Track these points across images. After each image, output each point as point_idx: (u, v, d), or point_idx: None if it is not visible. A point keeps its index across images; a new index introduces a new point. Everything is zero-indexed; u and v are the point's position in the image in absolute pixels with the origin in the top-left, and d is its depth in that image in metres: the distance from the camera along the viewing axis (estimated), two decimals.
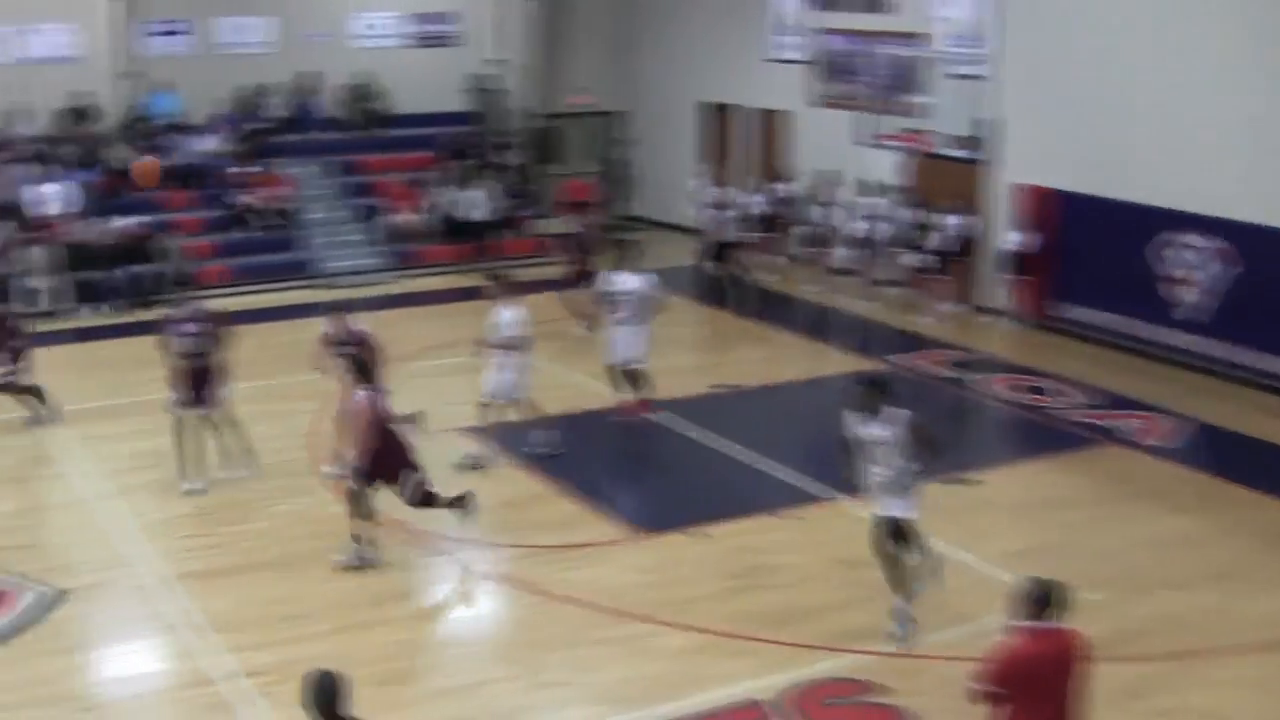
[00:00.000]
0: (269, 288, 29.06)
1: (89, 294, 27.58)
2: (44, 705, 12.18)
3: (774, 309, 27.31)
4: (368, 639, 13.30)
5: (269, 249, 30.60)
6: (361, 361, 14.96)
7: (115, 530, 16.18)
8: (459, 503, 15.21)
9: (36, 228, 28.32)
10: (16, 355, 19.64)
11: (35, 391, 20.03)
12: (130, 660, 13.39)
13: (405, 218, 31.67)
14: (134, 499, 17.16)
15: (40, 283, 27.49)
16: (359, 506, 14.67)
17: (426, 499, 14.87)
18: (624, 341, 19.17)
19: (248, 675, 12.53)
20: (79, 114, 31.05)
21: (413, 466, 14.65)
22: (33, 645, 13.32)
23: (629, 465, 18.73)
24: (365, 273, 30.33)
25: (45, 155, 29.81)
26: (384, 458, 14.46)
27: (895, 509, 12.77)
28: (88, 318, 27.11)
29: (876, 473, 12.79)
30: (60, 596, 14.26)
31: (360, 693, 11.96)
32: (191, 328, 17.47)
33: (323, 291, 28.63)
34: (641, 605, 13.92)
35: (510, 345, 17.54)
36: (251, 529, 16.10)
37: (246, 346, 22.11)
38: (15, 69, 30.60)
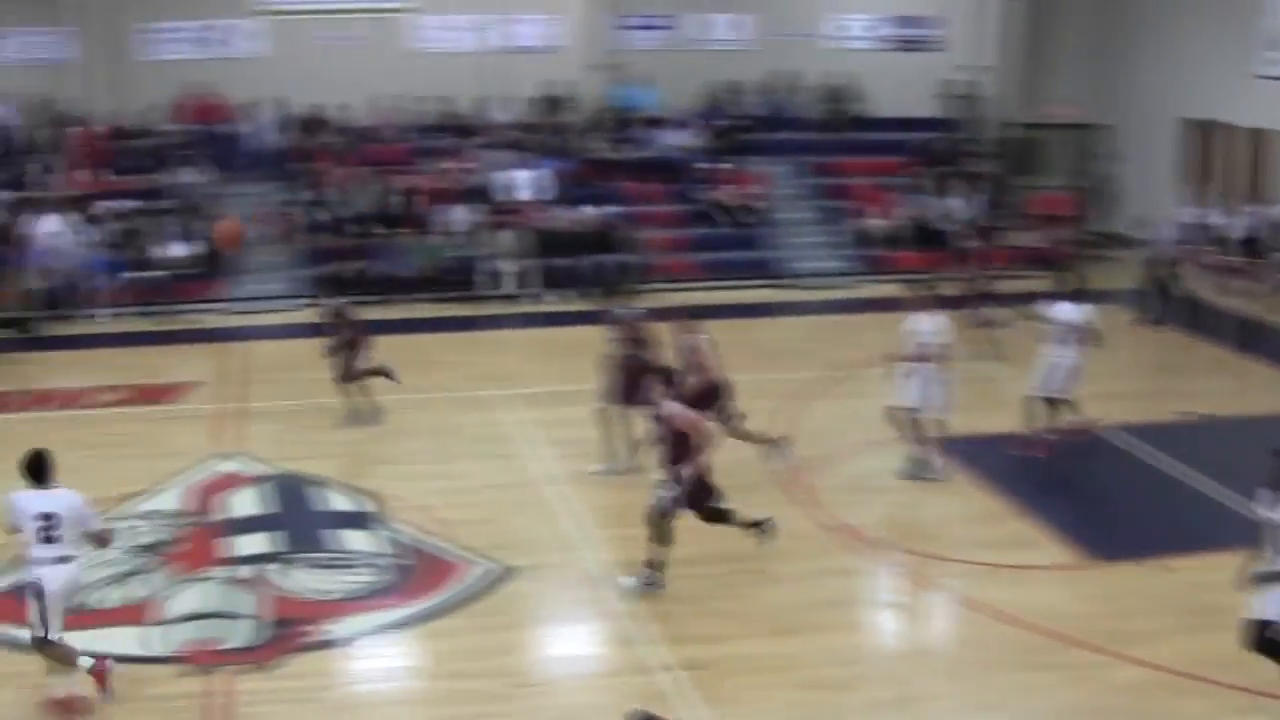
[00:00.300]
0: (732, 285, 28.55)
1: (555, 280, 27.61)
2: (483, 677, 12.03)
3: (1249, 337, 25.17)
4: (806, 642, 12.68)
5: (734, 246, 30.15)
6: (669, 372, 14.13)
7: (565, 513, 15.87)
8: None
9: (506, 212, 28.60)
10: (353, 345, 19.50)
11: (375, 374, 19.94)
12: (570, 642, 13.25)
13: (875, 222, 30.76)
14: (584, 484, 16.82)
15: (507, 266, 27.69)
16: (661, 531, 13.76)
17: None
18: (1049, 371, 17.80)
19: (684, 668, 12.06)
20: (553, 103, 31.42)
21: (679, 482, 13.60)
22: (477, 619, 13.25)
23: (1085, 488, 17.32)
24: (830, 275, 29.58)
25: (519, 142, 30.26)
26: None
27: (1273, 612, 10.76)
28: (552, 303, 27.12)
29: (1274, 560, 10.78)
30: (507, 573, 14.08)
31: (795, 696, 11.60)
32: (619, 330, 17.00)
33: (787, 291, 28.26)
34: (1089, 634, 12.83)
35: (928, 357, 16.48)
36: (699, 525, 15.46)
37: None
38: (495, 57, 31.25)
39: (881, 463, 17.16)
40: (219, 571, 14.27)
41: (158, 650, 12.55)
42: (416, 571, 14.20)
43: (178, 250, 27.49)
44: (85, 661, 11.40)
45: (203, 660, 12.28)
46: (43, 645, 11.25)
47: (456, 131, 31.04)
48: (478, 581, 13.95)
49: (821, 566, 14.34)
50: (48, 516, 11.03)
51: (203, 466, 17.54)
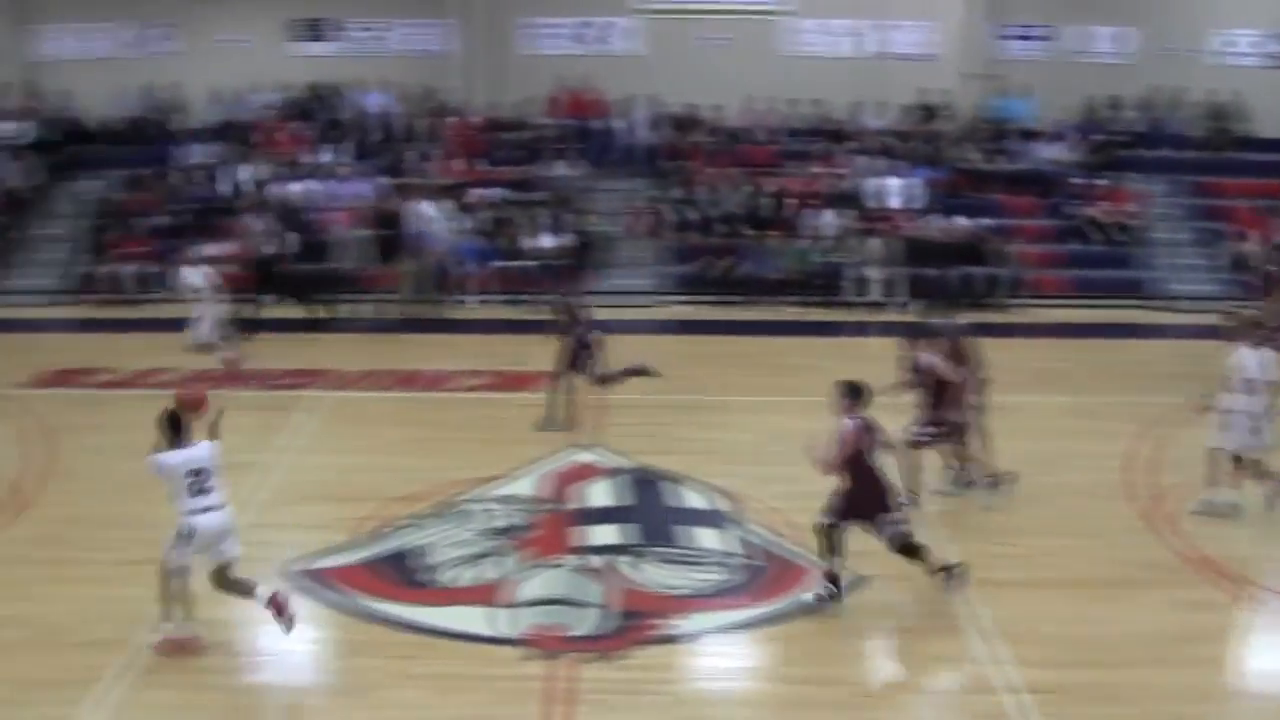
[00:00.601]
0: (1102, 303, 27.80)
1: (921, 290, 27.17)
2: (824, 685, 11.89)
3: None
4: (1158, 675, 12.11)
5: (1107, 264, 29.31)
6: (855, 388, 13.31)
7: (917, 525, 15.41)
8: (947, 570, 13.52)
9: (875, 219, 28.35)
10: (583, 345, 19.22)
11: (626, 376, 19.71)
12: (914, 656, 12.85)
13: (1251, 247, 29.53)
14: (938, 497, 16.30)
15: (874, 274, 27.44)
16: (828, 542, 13.27)
17: (906, 548, 13.31)
18: None
19: (1030, 691, 11.69)
20: (927, 111, 31.03)
21: (888, 509, 13.20)
22: (823, 625, 13.05)
23: None
24: (1206, 299, 28.43)
25: (891, 149, 30.00)
26: (861, 495, 13.12)
27: None
28: (918, 313, 26.64)
29: None
30: (856, 582, 13.76)
31: None
32: (937, 345, 16.55)
33: (1159, 313, 27.38)
34: None
35: (1252, 391, 15.55)
36: (1059, 545, 15.02)
37: (1071, 361, 21.14)
38: (869, 62, 31.11)
39: (1245, 495, 16.39)
40: (570, 559, 14.42)
41: (504, 632, 12.74)
42: (766, 573, 14.09)
43: (547, 241, 28.03)
44: (166, 627, 12.06)
45: (548, 645, 12.41)
46: (167, 575, 12.02)
47: (828, 136, 30.98)
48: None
49: (1178, 597, 13.73)
50: (197, 472, 11.83)
51: (561, 455, 17.80)
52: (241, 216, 27.69)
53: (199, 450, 11.95)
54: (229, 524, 12.10)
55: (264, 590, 12.20)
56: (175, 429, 11.94)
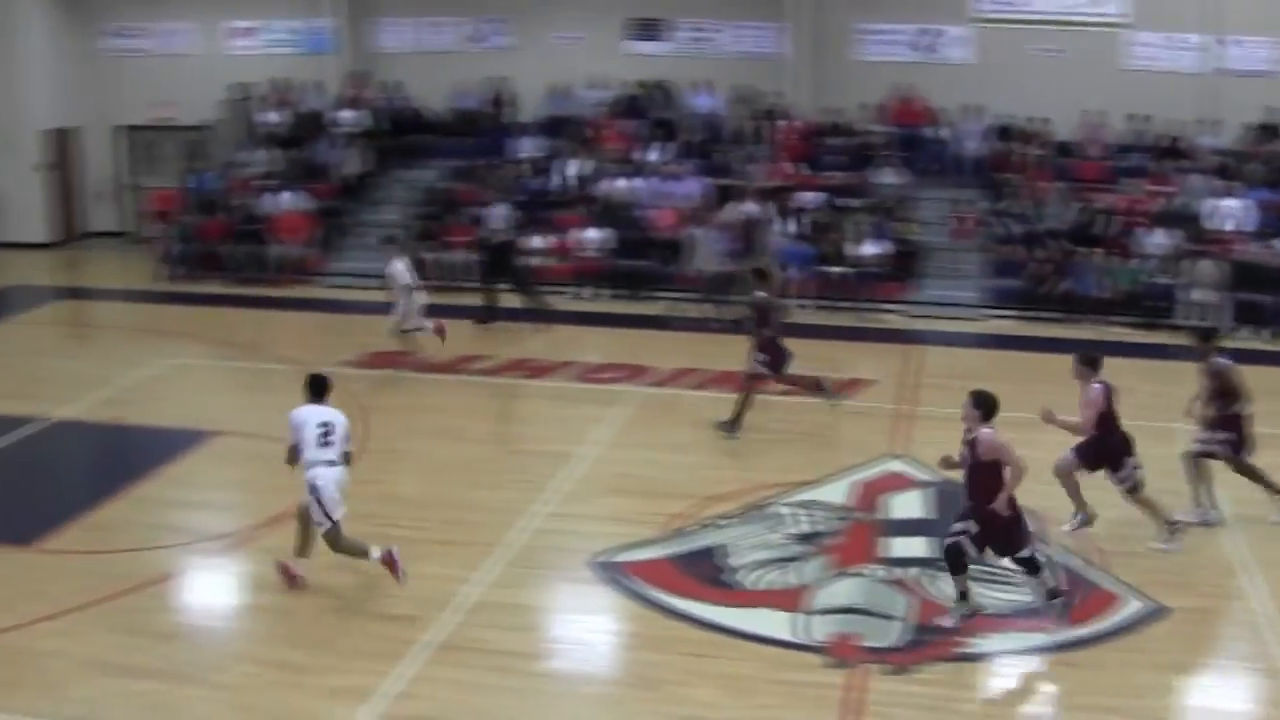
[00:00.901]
0: None
1: (1249, 316, 26.24)
2: (1121, 714, 11.58)
3: None
4: None
5: None
6: (987, 399, 12.99)
7: (1236, 558, 14.99)
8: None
9: (1207, 241, 27.44)
10: (764, 346, 19.00)
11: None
12: (1221, 692, 12.44)
13: None
14: (1257, 530, 15.78)
15: (1204, 297, 26.52)
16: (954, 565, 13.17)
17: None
18: None
19: None
20: (1269, 131, 29.88)
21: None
22: (1124, 655, 12.72)
23: None
24: None
25: (1227, 169, 28.98)
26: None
27: None
28: (1244, 340, 25.65)
29: None
30: (1162, 613, 13.47)
31: None
32: (1207, 378, 15.96)
33: None
34: None
35: None
36: None
37: None
38: (1209, 78, 30.06)
39: None
40: (875, 570, 14.41)
41: (802, 638, 12.81)
42: (1071, 598, 13.76)
43: (869, 249, 27.89)
44: (375, 552, 13.29)
45: (845, 654, 12.42)
46: (333, 539, 13.30)
47: (1162, 153, 30.05)
48: (1131, 617, 13.45)
49: None
50: (325, 424, 13.32)
51: (875, 464, 17.84)
52: (485, 205, 28.37)
53: (330, 410, 13.54)
54: (345, 480, 13.35)
55: (376, 551, 13.30)
56: (315, 389, 13.63)
